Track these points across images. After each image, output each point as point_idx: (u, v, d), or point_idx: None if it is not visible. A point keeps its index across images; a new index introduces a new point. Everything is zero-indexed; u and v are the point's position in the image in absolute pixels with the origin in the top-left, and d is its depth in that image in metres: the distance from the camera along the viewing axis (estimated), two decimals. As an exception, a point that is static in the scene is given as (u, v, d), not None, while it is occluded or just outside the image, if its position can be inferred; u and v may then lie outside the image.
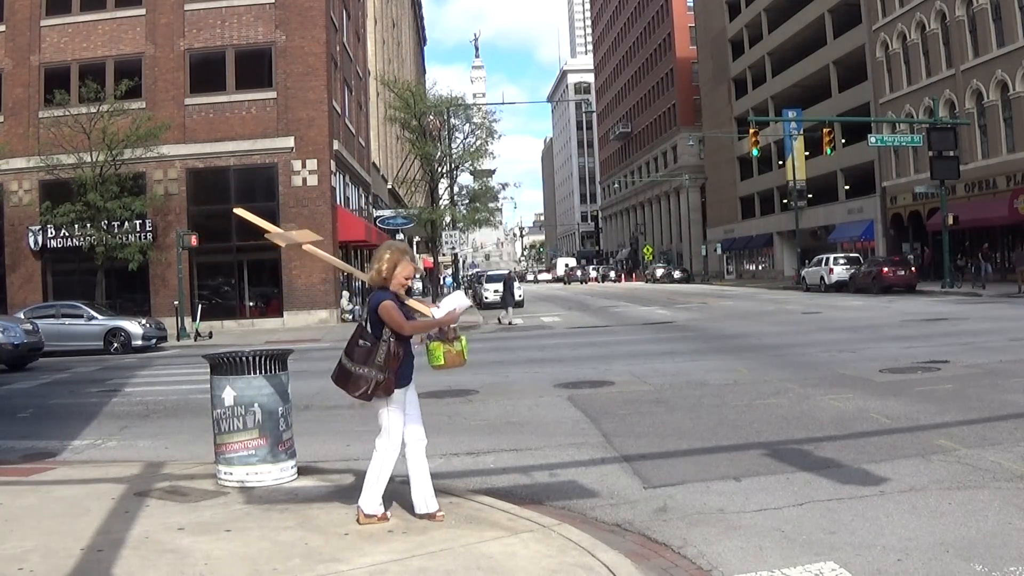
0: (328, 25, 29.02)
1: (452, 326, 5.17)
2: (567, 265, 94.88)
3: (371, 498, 5.08)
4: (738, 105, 63.01)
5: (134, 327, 21.64)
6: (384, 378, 4.93)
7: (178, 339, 24.14)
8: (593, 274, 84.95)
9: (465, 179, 41.93)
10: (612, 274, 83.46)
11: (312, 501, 5.72)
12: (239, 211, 6.20)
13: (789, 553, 4.60)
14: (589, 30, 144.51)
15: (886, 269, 32.08)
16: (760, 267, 63.99)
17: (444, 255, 42.88)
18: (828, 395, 9.52)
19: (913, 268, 32.94)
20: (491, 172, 46.91)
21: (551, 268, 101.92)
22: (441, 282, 39.13)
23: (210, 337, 24.25)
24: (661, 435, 7.91)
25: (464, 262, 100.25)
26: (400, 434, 5.08)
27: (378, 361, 4.93)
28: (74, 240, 26.15)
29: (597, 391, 10.75)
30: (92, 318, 21.83)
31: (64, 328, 21.35)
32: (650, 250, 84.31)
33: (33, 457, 8.27)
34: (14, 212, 27.94)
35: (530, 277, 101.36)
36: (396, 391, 5.02)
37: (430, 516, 5.11)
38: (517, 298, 34.27)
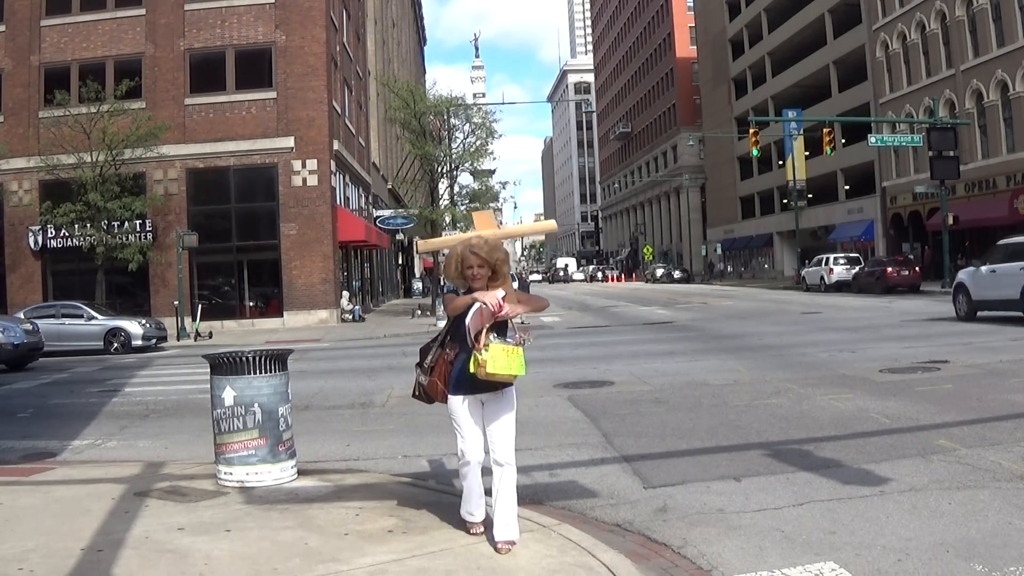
0: (328, 25, 29.02)
1: (481, 330, 4.44)
2: (566, 265, 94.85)
3: (464, 507, 4.81)
4: (738, 105, 63.02)
5: (134, 327, 21.64)
6: (427, 381, 4.74)
7: (178, 339, 24.15)
8: (580, 276, 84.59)
9: (465, 179, 41.88)
10: (600, 274, 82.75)
11: (312, 501, 5.72)
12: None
13: (789, 553, 4.60)
14: (589, 30, 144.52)
15: (890, 269, 31.96)
16: (760, 267, 64.01)
17: (444, 255, 42.82)
18: (828, 395, 9.51)
19: (917, 268, 32.82)
20: (491, 172, 46.88)
21: (550, 268, 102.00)
22: (441, 282, 39.13)
23: (210, 337, 24.26)
24: (661, 435, 7.91)
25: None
26: (464, 446, 4.64)
27: (425, 363, 4.78)
28: (74, 240, 26.15)
29: (597, 391, 10.75)
30: (92, 318, 21.83)
31: (64, 328, 21.35)
32: (650, 250, 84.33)
33: (33, 457, 8.27)
34: (14, 212, 27.95)
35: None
36: (452, 398, 4.65)
37: (495, 546, 4.60)
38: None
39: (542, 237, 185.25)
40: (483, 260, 4.53)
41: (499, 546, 4.55)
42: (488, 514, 4.80)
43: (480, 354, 4.37)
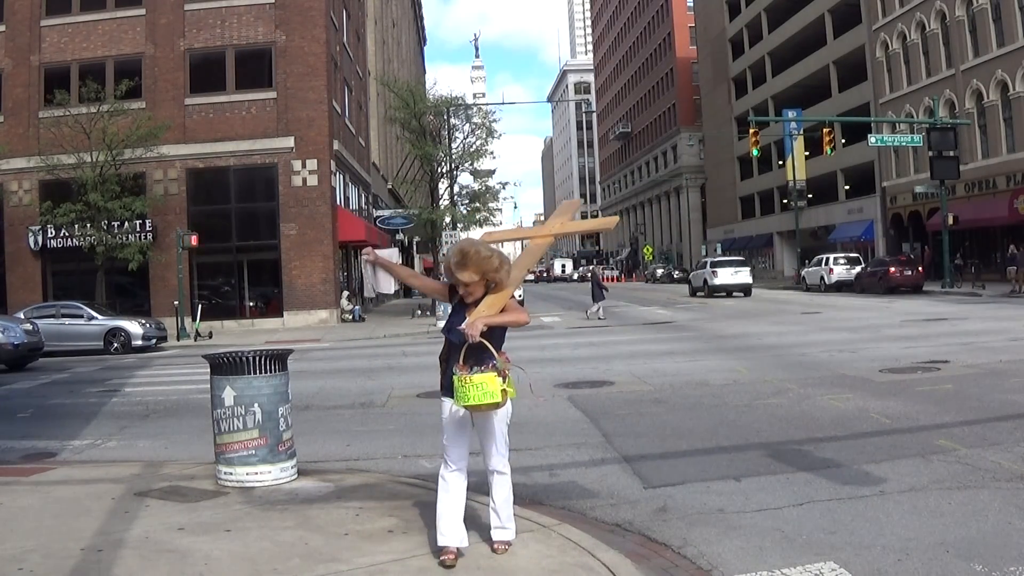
0: (328, 25, 29.02)
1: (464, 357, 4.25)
2: (563, 266, 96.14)
3: (438, 525, 4.45)
4: (738, 105, 63.00)
5: (134, 327, 21.64)
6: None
7: (178, 339, 24.14)
8: (576, 276, 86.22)
9: (465, 179, 41.85)
10: (575, 273, 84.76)
11: (312, 501, 5.72)
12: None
13: (789, 553, 4.60)
14: (589, 30, 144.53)
15: (893, 269, 31.84)
16: (760, 267, 64.02)
17: (444, 255, 42.81)
18: (828, 395, 9.51)
19: (920, 268, 32.74)
20: (491, 172, 46.84)
21: (549, 268, 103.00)
22: (441, 281, 39.07)
23: (210, 337, 24.25)
24: (661, 435, 7.91)
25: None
26: (446, 448, 4.51)
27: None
28: (74, 240, 26.13)
29: (597, 391, 10.75)
30: (92, 318, 21.82)
31: (64, 328, 21.34)
32: (650, 250, 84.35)
33: (33, 457, 8.27)
34: (14, 212, 27.93)
35: None
36: (442, 399, 4.54)
37: (492, 547, 4.58)
38: (517, 297, 34.15)
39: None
40: (465, 283, 4.31)
41: (495, 547, 4.54)
42: (461, 543, 4.41)
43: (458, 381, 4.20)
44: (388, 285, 5.03)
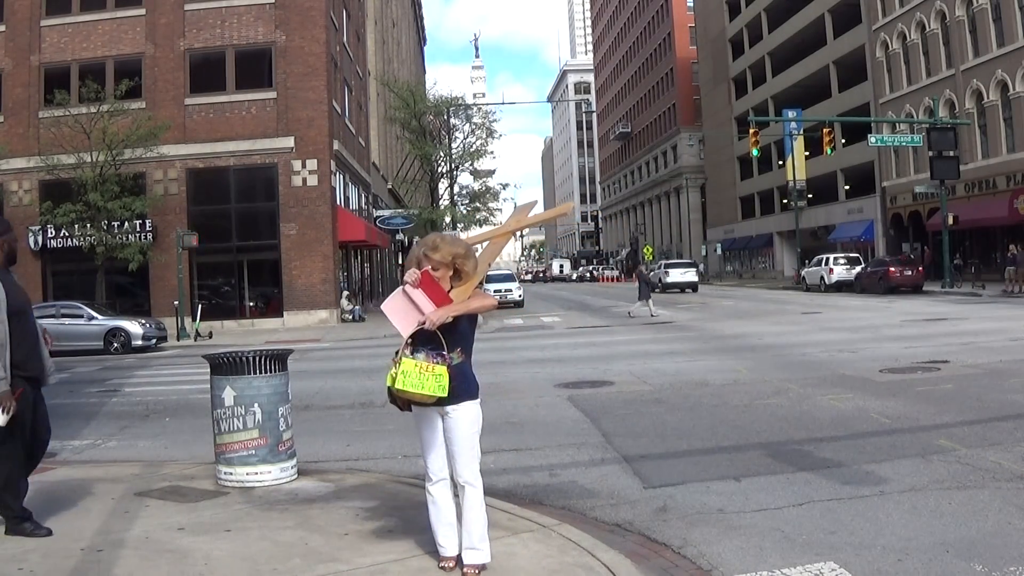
0: (328, 25, 29.01)
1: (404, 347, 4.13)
2: (561, 265, 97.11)
3: (437, 540, 4.40)
4: (738, 105, 63.01)
5: (134, 327, 21.64)
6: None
7: (178, 339, 24.14)
8: (575, 276, 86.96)
9: (465, 179, 41.90)
10: (588, 274, 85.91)
11: (312, 501, 5.72)
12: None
13: (789, 553, 4.60)
14: (589, 30, 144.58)
15: (893, 269, 31.83)
16: (760, 267, 64.02)
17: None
18: (828, 395, 9.51)
19: (920, 268, 32.72)
20: (491, 172, 46.93)
21: (547, 269, 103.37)
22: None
23: (210, 337, 24.25)
24: (661, 435, 7.91)
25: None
26: (427, 461, 4.36)
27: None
28: (74, 240, 26.11)
29: (597, 391, 10.75)
30: (92, 318, 21.83)
31: (64, 328, 21.31)
32: (650, 250, 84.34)
33: (33, 457, 8.26)
34: (14, 212, 27.87)
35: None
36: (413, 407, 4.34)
37: (462, 571, 4.28)
38: (517, 298, 34.13)
39: (542, 236, 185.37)
40: (437, 262, 4.21)
41: (465, 571, 4.22)
42: (460, 545, 4.32)
43: (394, 367, 4.06)
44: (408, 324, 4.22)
